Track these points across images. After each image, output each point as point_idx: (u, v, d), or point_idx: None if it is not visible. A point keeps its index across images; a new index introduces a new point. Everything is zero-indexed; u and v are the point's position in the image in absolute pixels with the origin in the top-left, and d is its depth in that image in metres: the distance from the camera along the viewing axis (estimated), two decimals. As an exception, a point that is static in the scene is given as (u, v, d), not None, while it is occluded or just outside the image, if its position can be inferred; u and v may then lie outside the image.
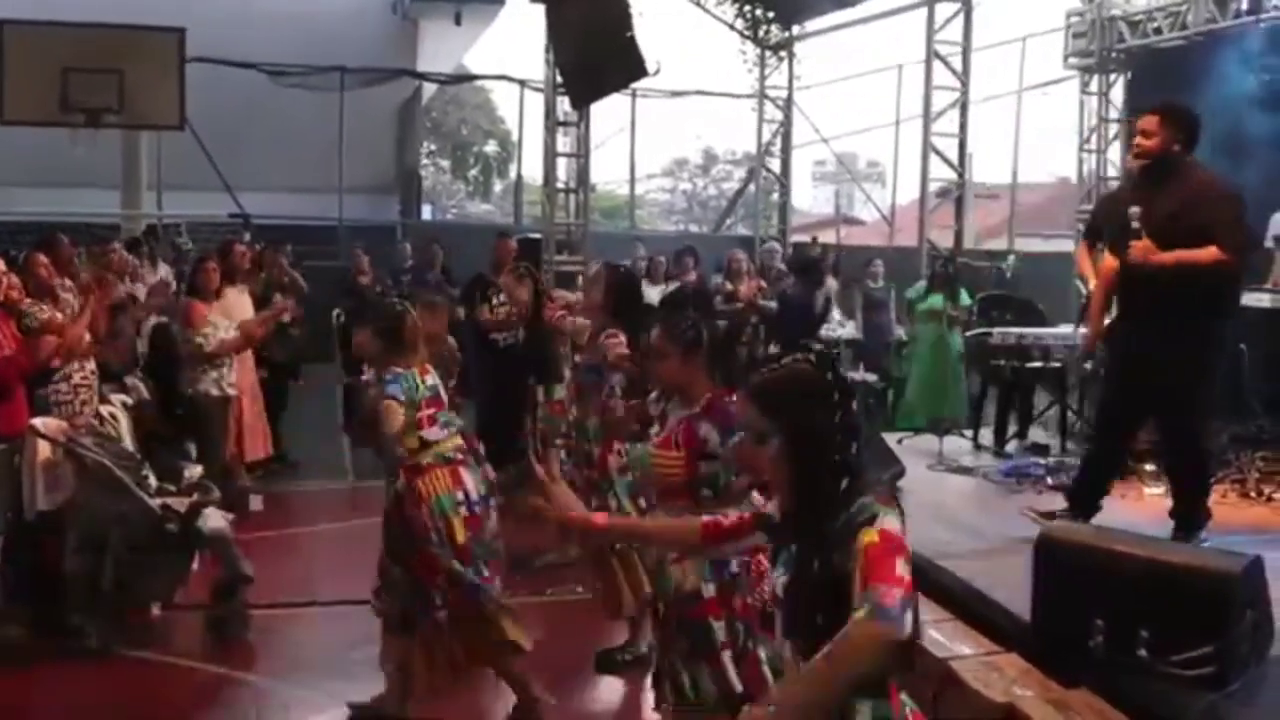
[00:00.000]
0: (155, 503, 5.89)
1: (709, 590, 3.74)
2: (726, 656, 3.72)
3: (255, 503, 8.26)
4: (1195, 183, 5.34)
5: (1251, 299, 8.07)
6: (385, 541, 4.91)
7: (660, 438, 3.96)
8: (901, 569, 2.38)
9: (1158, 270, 5.27)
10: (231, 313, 8.13)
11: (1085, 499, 5.70)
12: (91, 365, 6.68)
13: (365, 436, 5.07)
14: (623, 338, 5.58)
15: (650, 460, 3.95)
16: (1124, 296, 5.68)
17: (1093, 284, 6.36)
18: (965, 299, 10.20)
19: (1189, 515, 5.50)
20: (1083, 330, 8.00)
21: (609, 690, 5.59)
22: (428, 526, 4.72)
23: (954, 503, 6.75)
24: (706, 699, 3.75)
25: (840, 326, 12.23)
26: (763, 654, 3.69)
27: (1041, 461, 7.39)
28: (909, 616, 2.38)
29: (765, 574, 3.41)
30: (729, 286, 11.51)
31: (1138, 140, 5.46)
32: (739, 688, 3.70)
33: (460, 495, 4.79)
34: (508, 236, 11.16)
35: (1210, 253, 5.21)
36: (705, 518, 3.03)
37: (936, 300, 9.95)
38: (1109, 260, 5.70)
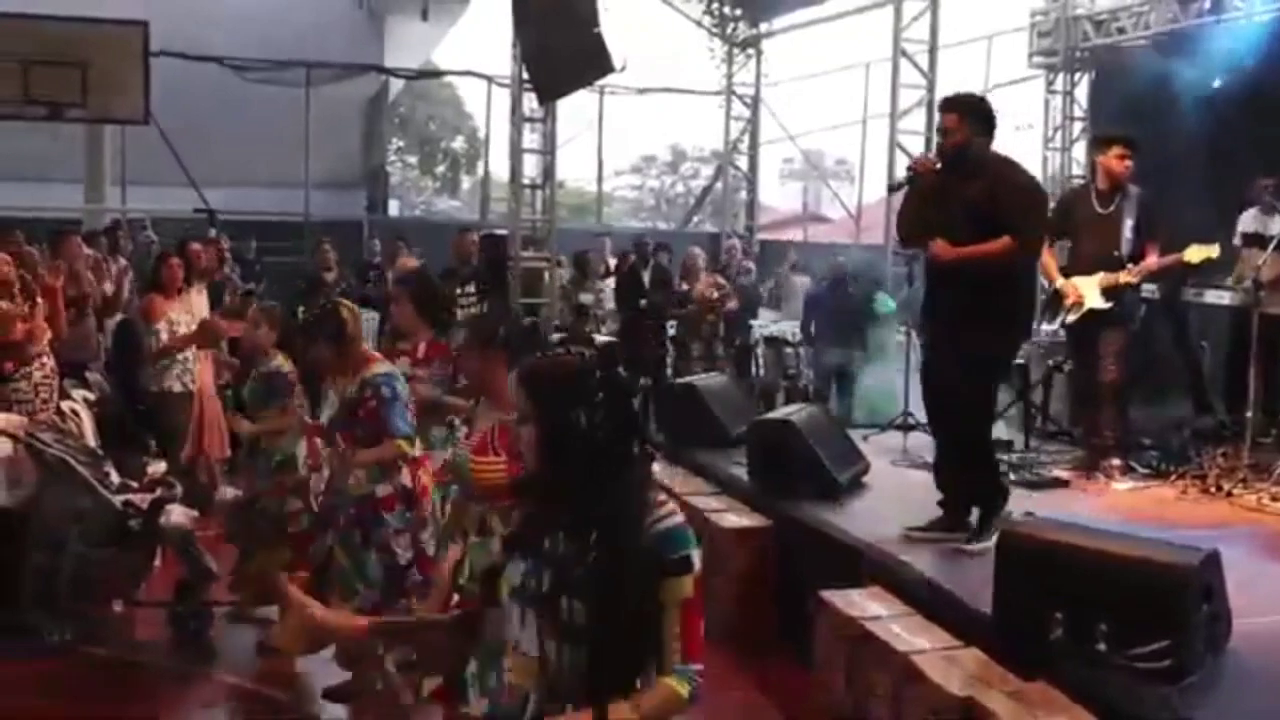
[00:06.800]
0: (117, 499, 5.85)
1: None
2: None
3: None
4: (996, 173, 5.42)
5: (1213, 296, 8.14)
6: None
7: (475, 443, 3.78)
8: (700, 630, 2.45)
9: (956, 264, 5.36)
10: (192, 311, 8.05)
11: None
12: (52, 363, 6.62)
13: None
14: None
15: (469, 467, 3.75)
16: (929, 292, 5.81)
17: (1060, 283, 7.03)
18: None
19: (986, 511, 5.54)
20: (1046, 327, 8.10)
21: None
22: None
23: (916, 498, 6.75)
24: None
25: (773, 323, 12.09)
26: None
27: (1004, 457, 7.41)
28: None
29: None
30: (684, 286, 11.41)
31: (939, 140, 5.58)
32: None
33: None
34: (468, 231, 11.09)
35: (1002, 244, 5.28)
36: None
37: (889, 303, 9.93)
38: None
